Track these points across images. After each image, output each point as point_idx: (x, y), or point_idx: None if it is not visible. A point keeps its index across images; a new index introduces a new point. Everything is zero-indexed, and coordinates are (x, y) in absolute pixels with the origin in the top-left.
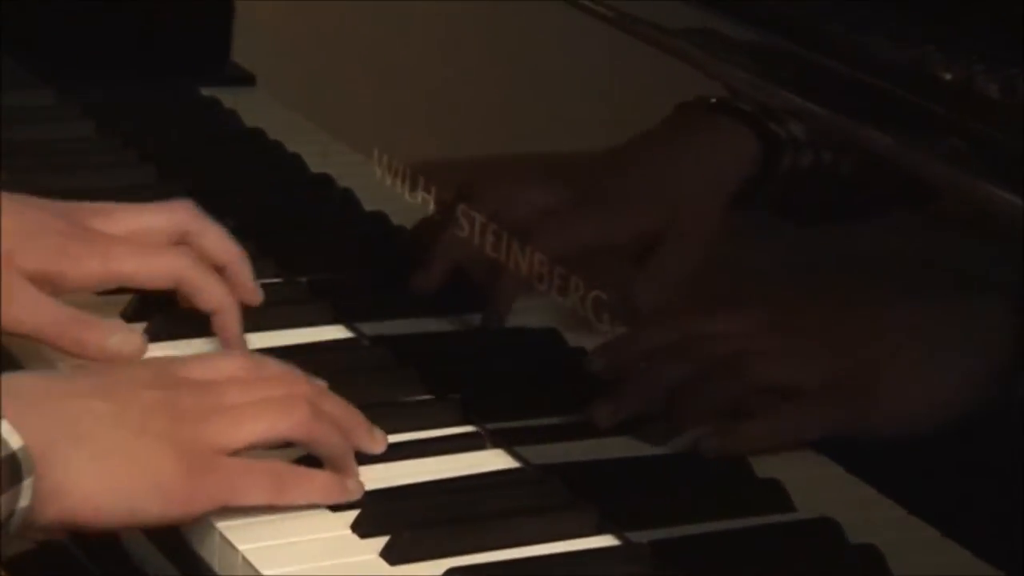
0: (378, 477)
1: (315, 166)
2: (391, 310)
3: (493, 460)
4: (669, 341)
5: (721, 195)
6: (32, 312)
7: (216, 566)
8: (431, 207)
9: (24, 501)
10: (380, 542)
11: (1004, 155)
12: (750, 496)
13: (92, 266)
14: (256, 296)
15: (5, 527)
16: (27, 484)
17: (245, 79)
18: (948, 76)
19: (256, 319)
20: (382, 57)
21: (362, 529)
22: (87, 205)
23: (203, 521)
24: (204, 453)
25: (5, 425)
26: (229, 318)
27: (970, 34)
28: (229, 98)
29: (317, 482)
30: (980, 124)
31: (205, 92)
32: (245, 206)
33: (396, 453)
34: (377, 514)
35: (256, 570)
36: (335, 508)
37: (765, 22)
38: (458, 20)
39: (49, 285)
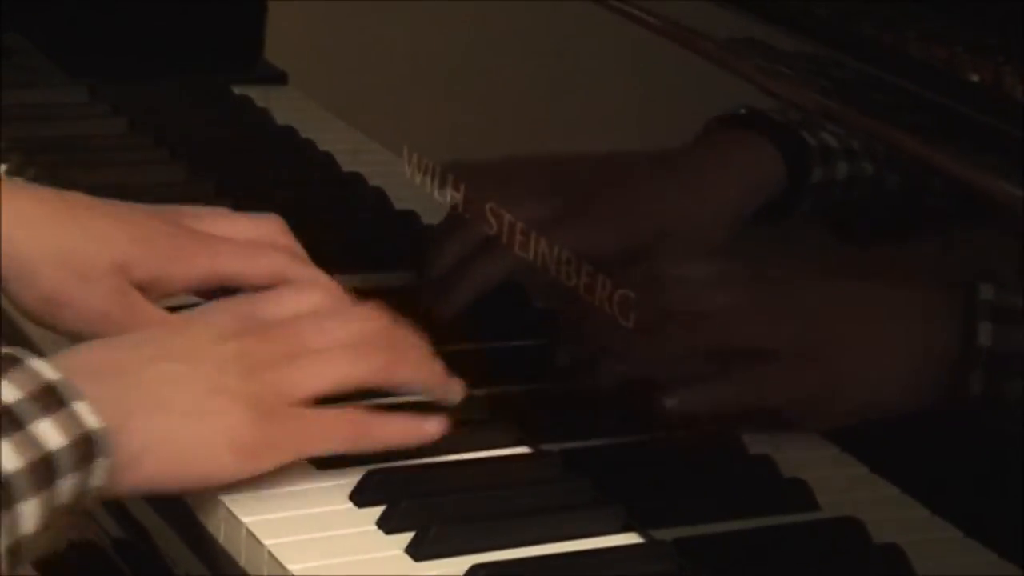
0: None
1: (346, 164)
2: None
3: (519, 457)
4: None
5: (738, 210)
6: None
7: (242, 561)
8: (460, 206)
9: (96, 481)
10: (406, 538)
11: None
12: (775, 495)
13: (201, 265)
14: None
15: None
16: (99, 463)
17: (277, 77)
18: (976, 77)
19: None
20: (413, 56)
21: (388, 525)
22: (183, 208)
23: (230, 517)
24: (278, 405)
25: (83, 406)
26: None
27: (1000, 33)
28: (261, 96)
29: (394, 425)
30: (1008, 125)
31: (237, 90)
32: (276, 204)
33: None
34: (403, 510)
35: (282, 565)
36: (361, 504)
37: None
38: (489, 19)
39: (159, 288)
